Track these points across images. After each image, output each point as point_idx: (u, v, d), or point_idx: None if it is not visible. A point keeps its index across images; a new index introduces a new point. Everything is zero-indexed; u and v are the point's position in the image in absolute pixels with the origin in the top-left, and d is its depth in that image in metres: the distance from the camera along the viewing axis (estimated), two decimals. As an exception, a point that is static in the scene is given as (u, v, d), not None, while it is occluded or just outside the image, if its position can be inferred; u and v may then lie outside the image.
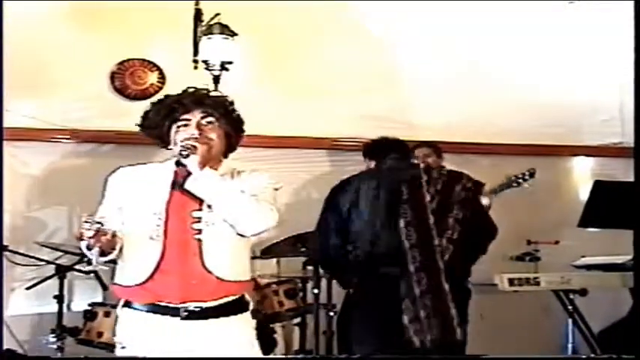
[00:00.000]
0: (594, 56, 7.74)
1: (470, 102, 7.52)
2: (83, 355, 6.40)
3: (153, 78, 7.06)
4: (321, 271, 6.11)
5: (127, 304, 3.76)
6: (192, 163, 3.61)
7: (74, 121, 6.88)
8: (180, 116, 3.76)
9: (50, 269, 6.11)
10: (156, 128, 3.83)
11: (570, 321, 6.26)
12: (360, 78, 7.36)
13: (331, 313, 6.28)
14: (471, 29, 7.59)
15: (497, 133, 7.48)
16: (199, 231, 3.66)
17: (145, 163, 3.97)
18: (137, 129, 6.70)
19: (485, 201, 6.53)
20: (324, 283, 6.21)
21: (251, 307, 3.86)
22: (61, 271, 6.03)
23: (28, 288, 6.29)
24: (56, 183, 6.91)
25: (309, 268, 6.10)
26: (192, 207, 3.68)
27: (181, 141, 3.66)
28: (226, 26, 6.64)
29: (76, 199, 6.84)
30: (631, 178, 6.47)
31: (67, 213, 6.91)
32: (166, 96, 3.87)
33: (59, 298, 6.01)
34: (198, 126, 3.73)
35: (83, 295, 6.56)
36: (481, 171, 6.95)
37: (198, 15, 6.76)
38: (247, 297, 3.85)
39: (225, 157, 3.86)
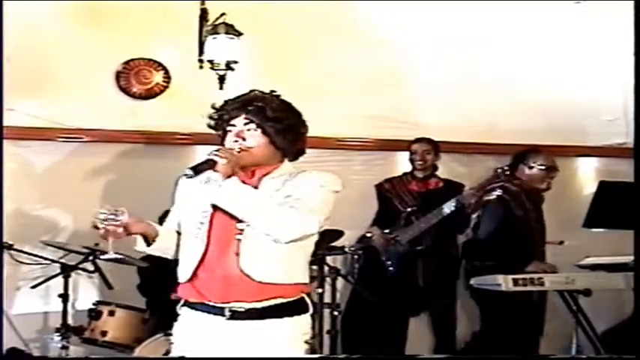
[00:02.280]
0: (598, 57, 7.71)
1: (474, 102, 7.50)
2: (86, 354, 6.44)
3: (158, 77, 7.06)
4: (325, 270, 6.13)
5: (185, 304, 3.79)
6: (215, 176, 3.59)
7: (79, 120, 6.88)
8: (229, 122, 3.74)
9: (55, 268, 6.10)
10: (216, 131, 3.81)
11: (574, 321, 6.27)
12: (365, 78, 7.36)
13: (335, 313, 6.29)
14: (475, 30, 7.57)
15: (502, 133, 7.47)
16: (241, 232, 3.64)
17: None
18: (142, 129, 6.78)
19: (473, 199, 6.53)
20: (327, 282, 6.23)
21: (310, 310, 3.80)
22: (66, 270, 6.02)
23: (33, 287, 6.28)
24: (61, 182, 6.90)
25: (314, 267, 6.08)
26: None
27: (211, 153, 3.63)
28: (231, 26, 6.63)
29: (81, 198, 6.82)
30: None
31: (72, 212, 6.90)
32: (233, 99, 3.82)
33: (64, 297, 6.00)
34: (239, 133, 3.71)
35: (88, 294, 6.55)
36: (487, 171, 6.97)
37: (203, 14, 6.75)
38: (306, 299, 3.79)
39: (291, 159, 3.81)
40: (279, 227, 3.59)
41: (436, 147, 6.98)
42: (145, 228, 3.73)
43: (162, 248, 3.83)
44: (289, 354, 3.72)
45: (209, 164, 3.55)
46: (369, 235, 6.94)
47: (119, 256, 3.71)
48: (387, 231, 6.86)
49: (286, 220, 3.58)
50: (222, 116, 3.76)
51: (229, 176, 3.57)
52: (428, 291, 6.89)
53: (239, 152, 3.65)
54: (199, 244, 3.67)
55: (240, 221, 3.63)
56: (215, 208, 3.68)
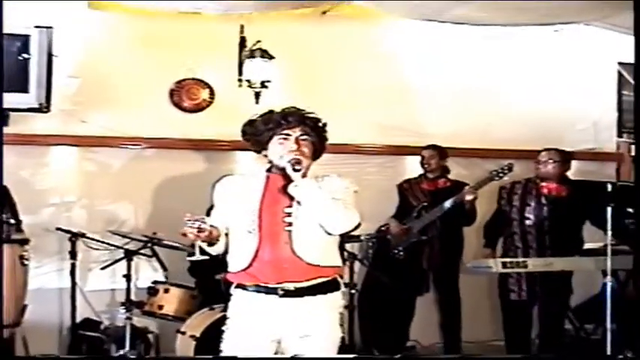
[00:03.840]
0: (574, 77, 7.73)
1: (472, 113, 7.49)
2: (146, 324, 6.48)
3: (205, 94, 7.06)
4: (344, 254, 6.15)
5: (238, 286, 3.85)
6: (297, 173, 3.68)
7: (139, 130, 6.91)
8: (282, 131, 3.80)
9: (120, 253, 6.14)
10: (258, 135, 3.86)
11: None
12: (377, 92, 7.32)
13: (353, 291, 6.29)
14: (473, 52, 7.59)
15: (494, 140, 7.46)
16: (290, 224, 3.74)
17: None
18: (191, 137, 6.83)
19: (468, 195, 6.53)
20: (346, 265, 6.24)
21: (342, 287, 3.89)
22: (129, 255, 6.05)
23: (102, 268, 6.32)
24: (124, 182, 6.93)
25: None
26: (283, 204, 3.77)
27: (284, 153, 3.73)
28: (266, 51, 6.71)
29: (141, 196, 6.91)
30: (603, 179, 6.50)
31: (134, 207, 6.96)
32: (271, 111, 3.89)
33: (127, 277, 6.02)
34: (297, 141, 3.78)
35: (147, 274, 6.59)
36: (483, 172, 6.96)
37: (242, 42, 6.83)
38: (339, 279, 3.89)
39: (314, 161, 3.90)
40: (336, 221, 3.71)
41: (441, 153, 6.94)
42: (218, 232, 3.79)
43: (218, 248, 3.86)
44: (329, 324, 3.82)
45: (300, 164, 3.68)
46: (385, 225, 6.97)
47: (205, 257, 3.78)
48: (403, 222, 6.88)
49: (342, 215, 3.71)
50: (279, 124, 3.80)
51: (304, 175, 3.70)
52: (432, 273, 6.90)
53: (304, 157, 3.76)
54: (253, 239, 3.75)
55: (288, 215, 3.73)
56: (261, 205, 3.77)
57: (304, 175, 3.72)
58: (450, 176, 7.02)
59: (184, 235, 3.62)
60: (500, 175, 6.49)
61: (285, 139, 3.79)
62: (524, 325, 6.51)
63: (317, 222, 3.70)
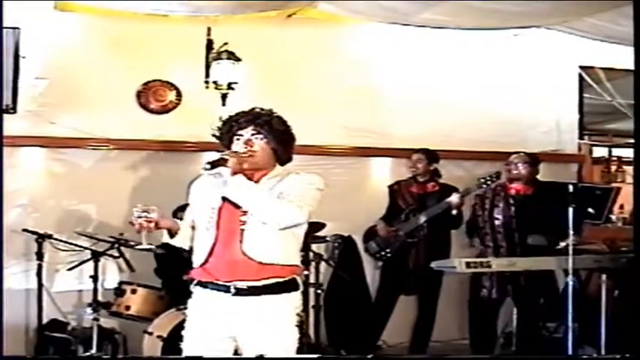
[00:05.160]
0: (536, 80, 7.79)
1: (436, 116, 7.51)
2: (113, 325, 6.45)
3: (171, 96, 7.03)
4: (310, 255, 6.15)
5: (197, 284, 3.86)
6: (225, 172, 3.69)
7: (106, 131, 6.86)
8: (237, 131, 3.82)
9: (87, 254, 6.11)
10: (221, 138, 3.90)
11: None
12: (343, 95, 7.34)
13: (319, 291, 6.32)
14: (437, 55, 7.62)
15: (458, 141, 7.49)
16: (244, 222, 3.72)
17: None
18: (158, 138, 6.81)
19: (456, 200, 6.55)
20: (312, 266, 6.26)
21: (300, 288, 3.87)
22: (96, 256, 6.01)
23: (69, 269, 6.29)
24: (91, 183, 6.87)
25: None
26: None
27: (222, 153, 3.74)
28: (232, 53, 6.71)
29: (108, 197, 6.85)
30: (565, 180, 6.55)
31: (101, 208, 6.91)
32: (236, 113, 3.91)
33: (94, 278, 5.99)
34: (247, 141, 3.79)
35: (114, 275, 6.56)
36: (448, 173, 7.01)
37: (209, 44, 6.82)
38: (298, 279, 3.85)
39: (282, 164, 3.88)
40: (275, 216, 3.69)
41: (429, 157, 6.90)
42: (170, 224, 3.90)
43: (181, 241, 3.94)
44: (284, 325, 3.79)
45: (221, 161, 3.66)
46: (375, 227, 6.99)
47: (152, 246, 3.82)
48: (395, 221, 6.90)
49: (281, 210, 3.68)
50: (232, 127, 3.84)
51: (236, 173, 3.67)
52: (417, 275, 6.87)
53: (246, 155, 3.74)
54: (210, 235, 3.76)
55: (244, 214, 3.71)
56: (222, 203, 3.77)
57: (234, 173, 3.67)
58: (403, 177, 7.05)
59: (132, 224, 3.71)
60: (488, 182, 6.53)
61: (238, 139, 3.82)
62: (491, 324, 6.58)
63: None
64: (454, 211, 6.58)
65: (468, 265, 6.22)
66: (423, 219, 6.69)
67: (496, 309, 6.57)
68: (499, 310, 6.59)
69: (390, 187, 7.12)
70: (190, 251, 3.92)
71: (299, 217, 3.72)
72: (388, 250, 6.87)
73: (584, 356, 6.33)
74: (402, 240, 6.81)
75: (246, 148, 3.77)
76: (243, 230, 3.72)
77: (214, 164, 3.66)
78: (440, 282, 6.89)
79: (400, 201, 6.97)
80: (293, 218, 3.71)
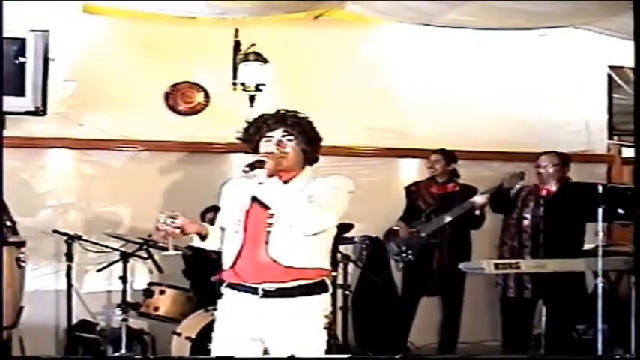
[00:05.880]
0: (565, 80, 7.72)
1: (463, 117, 7.47)
2: (142, 326, 6.47)
3: (199, 97, 7.03)
4: (338, 256, 6.13)
5: (227, 285, 3.86)
6: (261, 174, 3.67)
7: (136, 133, 6.88)
8: (266, 133, 3.80)
9: (116, 255, 6.13)
10: (249, 141, 3.87)
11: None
12: (370, 95, 7.34)
13: (347, 292, 6.30)
14: (466, 55, 7.57)
15: (486, 142, 7.44)
16: (270, 225, 3.71)
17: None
18: (186, 140, 6.83)
19: (479, 200, 6.53)
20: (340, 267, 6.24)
21: (329, 290, 3.85)
22: (125, 257, 6.03)
23: (98, 270, 6.30)
24: (121, 184, 6.88)
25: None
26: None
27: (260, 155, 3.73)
28: (260, 54, 6.70)
29: (137, 198, 6.87)
30: (594, 180, 6.49)
31: (130, 209, 6.93)
32: (262, 115, 3.88)
33: (123, 279, 6.01)
34: (278, 142, 3.77)
35: (143, 276, 6.57)
36: (474, 174, 6.98)
37: (237, 46, 6.81)
38: (326, 281, 3.83)
39: (310, 165, 3.86)
40: (305, 222, 3.66)
41: (448, 157, 6.89)
42: (197, 228, 3.87)
43: (212, 243, 3.92)
44: (312, 327, 3.77)
45: (259, 164, 3.65)
46: (395, 228, 6.95)
47: (179, 252, 3.81)
48: (414, 224, 6.86)
49: (312, 215, 3.66)
50: (261, 128, 3.81)
51: (271, 176, 3.66)
52: (440, 276, 6.85)
53: (279, 157, 3.73)
54: (238, 237, 3.75)
55: (270, 217, 3.70)
56: (250, 206, 3.76)
57: (270, 176, 3.67)
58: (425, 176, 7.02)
59: (157, 229, 3.70)
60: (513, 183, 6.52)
61: (268, 141, 3.80)
62: (525, 325, 6.54)
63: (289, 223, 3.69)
64: (477, 212, 6.56)
65: (496, 266, 6.19)
66: (447, 219, 6.66)
67: (530, 309, 6.52)
68: (533, 311, 6.54)
69: (408, 188, 7.09)
70: (219, 253, 3.92)
71: (327, 224, 3.72)
72: (410, 252, 6.83)
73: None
74: (423, 241, 6.78)
75: (277, 149, 3.75)
76: (269, 233, 3.70)
77: (252, 166, 3.65)
78: (463, 282, 6.87)
79: (420, 202, 6.93)
80: (322, 224, 3.70)
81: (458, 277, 6.79)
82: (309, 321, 3.76)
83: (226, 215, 3.88)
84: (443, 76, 7.51)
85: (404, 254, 6.86)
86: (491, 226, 6.84)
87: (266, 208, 3.71)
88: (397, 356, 6.58)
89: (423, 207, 6.88)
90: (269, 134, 3.79)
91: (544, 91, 7.67)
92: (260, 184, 3.68)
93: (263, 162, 3.66)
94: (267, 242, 3.70)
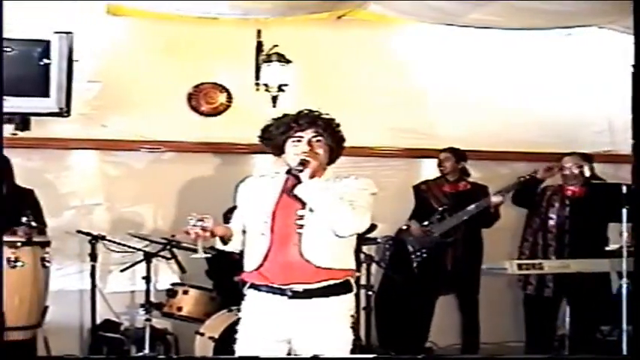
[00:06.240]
0: (588, 79, 7.67)
1: (486, 117, 7.44)
2: (166, 326, 6.48)
3: (222, 98, 7.04)
4: (361, 257, 6.12)
5: (250, 286, 3.85)
6: (304, 174, 3.67)
7: (159, 133, 6.90)
8: (295, 133, 3.79)
9: (139, 255, 6.14)
10: (273, 139, 3.85)
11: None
12: (393, 95, 7.31)
13: (370, 293, 6.28)
14: (489, 55, 7.54)
15: (509, 143, 7.41)
16: (301, 226, 3.70)
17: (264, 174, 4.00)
18: (209, 141, 6.83)
19: (496, 199, 6.53)
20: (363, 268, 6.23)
21: (353, 290, 3.85)
22: (148, 257, 6.04)
23: (122, 270, 6.33)
24: (144, 185, 6.91)
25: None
26: (296, 207, 3.74)
27: (297, 154, 3.72)
28: (282, 55, 6.70)
29: (161, 198, 6.90)
30: (618, 181, 6.43)
31: (153, 209, 6.96)
32: (285, 115, 3.88)
33: (147, 279, 6.02)
34: (309, 143, 3.76)
35: (166, 277, 6.59)
36: (495, 174, 6.95)
37: (259, 46, 6.82)
38: (351, 281, 3.83)
39: (328, 165, 3.87)
40: (343, 222, 3.66)
41: (458, 155, 6.91)
42: (224, 231, 3.85)
43: (234, 246, 3.89)
44: (340, 327, 3.78)
45: (306, 164, 3.66)
46: (406, 227, 6.94)
47: (208, 255, 3.80)
48: (425, 223, 6.84)
49: (349, 217, 3.65)
50: (291, 128, 3.79)
51: (312, 176, 3.68)
52: (455, 274, 6.86)
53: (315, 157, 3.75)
54: (264, 239, 3.74)
55: (300, 218, 3.70)
56: (275, 207, 3.76)
57: (313, 176, 3.69)
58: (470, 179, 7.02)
59: (187, 233, 3.65)
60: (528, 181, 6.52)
61: (298, 141, 3.78)
62: (549, 325, 6.51)
63: (325, 223, 3.68)
64: (492, 209, 6.57)
65: (519, 266, 6.17)
66: (463, 217, 6.66)
67: (552, 309, 6.49)
68: (556, 311, 6.51)
69: (417, 187, 7.08)
70: (241, 253, 3.91)
71: (364, 225, 3.73)
72: (424, 251, 6.82)
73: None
74: (437, 240, 6.77)
75: (309, 149, 3.75)
76: (300, 234, 3.69)
77: (303, 165, 3.66)
78: (479, 280, 6.88)
79: (432, 200, 6.94)
80: (359, 226, 3.72)
81: (473, 276, 6.81)
82: (336, 321, 3.76)
83: (249, 216, 3.86)
84: (466, 76, 7.48)
85: (418, 253, 6.84)
86: (512, 225, 6.86)
87: (301, 206, 3.70)
88: (419, 356, 6.57)
89: (436, 206, 6.89)
90: (299, 134, 3.78)
91: (568, 90, 7.62)
92: (301, 185, 3.68)
93: (308, 162, 3.67)
94: (298, 243, 3.69)
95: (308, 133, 3.77)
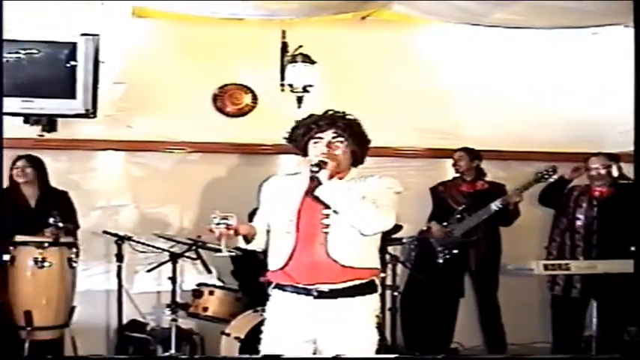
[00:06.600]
0: (613, 78, 7.59)
1: (510, 117, 7.40)
2: (191, 326, 6.50)
3: (247, 99, 7.05)
4: (386, 257, 6.11)
5: (276, 286, 3.85)
6: (322, 175, 3.67)
7: (184, 134, 6.92)
8: (315, 134, 3.79)
9: (165, 256, 6.17)
10: (297, 142, 3.87)
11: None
12: (418, 95, 7.28)
13: (395, 293, 6.27)
14: (513, 55, 7.50)
15: (533, 142, 7.37)
16: (327, 226, 3.70)
17: (292, 174, 3.99)
18: (235, 141, 6.84)
19: (516, 199, 6.52)
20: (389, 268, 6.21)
21: (379, 290, 3.85)
22: (174, 257, 6.06)
23: (148, 271, 6.36)
24: (170, 186, 6.93)
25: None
26: (321, 207, 3.74)
27: (317, 156, 3.73)
28: (307, 55, 6.70)
29: (186, 199, 6.91)
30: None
31: (179, 210, 6.97)
32: (310, 115, 3.89)
33: (173, 279, 6.04)
34: (329, 144, 3.76)
35: (192, 277, 6.60)
36: (520, 174, 6.92)
37: (284, 47, 6.82)
38: (376, 281, 3.83)
39: (355, 166, 3.87)
40: (366, 221, 3.65)
41: (472, 155, 6.91)
42: (248, 229, 3.84)
43: (257, 244, 3.89)
44: (365, 327, 3.78)
45: (322, 165, 3.66)
46: (427, 228, 6.92)
47: (232, 253, 3.81)
48: (445, 224, 6.82)
49: (372, 216, 3.65)
50: (311, 129, 3.80)
51: (332, 176, 3.68)
52: (478, 274, 6.86)
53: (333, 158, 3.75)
54: (289, 238, 3.74)
55: (326, 217, 3.70)
56: (301, 206, 3.76)
57: (332, 176, 3.70)
58: (487, 178, 6.99)
59: (211, 231, 3.65)
60: (546, 177, 6.55)
61: (318, 142, 3.79)
62: (573, 325, 6.48)
63: (348, 222, 3.67)
64: (511, 207, 6.57)
65: (545, 267, 6.13)
66: (483, 217, 6.65)
67: (579, 310, 6.46)
68: (584, 312, 6.47)
69: (434, 188, 7.08)
70: (266, 253, 3.91)
71: (388, 224, 3.72)
72: (447, 251, 6.80)
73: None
74: (460, 240, 6.75)
75: (328, 150, 3.75)
76: (326, 234, 3.69)
77: (320, 166, 3.66)
78: (498, 279, 6.87)
79: (450, 201, 6.93)
80: (383, 224, 3.70)
81: (493, 275, 6.81)
82: (362, 321, 3.76)
83: (274, 216, 3.86)
84: (490, 76, 7.44)
85: (441, 254, 6.82)
86: (539, 225, 6.85)
87: (325, 206, 3.70)
88: (439, 356, 6.56)
89: (454, 206, 6.88)
90: (319, 135, 3.79)
91: (593, 90, 7.57)
92: (320, 184, 3.68)
93: (326, 163, 3.67)
94: (324, 243, 3.69)
95: (328, 135, 3.78)
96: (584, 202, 6.49)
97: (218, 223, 3.63)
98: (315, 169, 3.66)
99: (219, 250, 3.76)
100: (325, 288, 3.70)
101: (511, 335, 6.93)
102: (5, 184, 6.15)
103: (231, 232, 3.66)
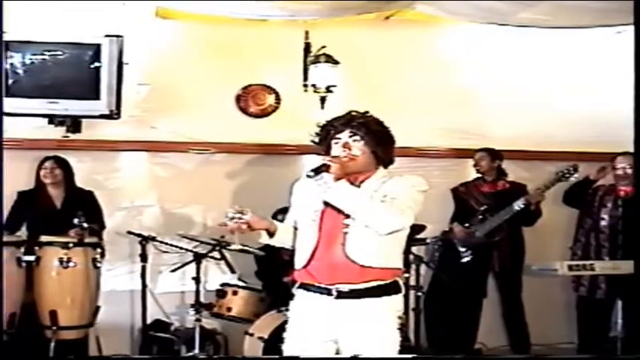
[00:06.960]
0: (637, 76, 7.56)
1: (536, 117, 7.37)
2: (215, 326, 6.51)
3: (271, 99, 7.06)
4: (410, 257, 6.09)
5: (299, 286, 3.85)
6: (328, 177, 3.63)
7: (208, 135, 6.93)
8: (334, 135, 3.79)
9: (189, 256, 6.19)
10: (320, 143, 3.87)
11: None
12: (442, 95, 7.26)
13: (419, 294, 6.26)
14: (538, 54, 7.45)
15: (557, 142, 7.33)
16: (347, 226, 3.68)
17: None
18: (258, 142, 6.85)
19: (538, 198, 6.53)
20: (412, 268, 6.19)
21: (402, 291, 3.81)
22: (198, 258, 6.07)
23: (172, 271, 6.38)
24: (193, 186, 6.94)
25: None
26: None
27: (323, 160, 3.70)
28: (330, 56, 6.68)
29: (210, 199, 6.91)
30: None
31: (203, 210, 6.98)
32: (334, 117, 3.87)
33: (196, 279, 6.04)
34: (345, 144, 3.75)
35: (215, 277, 6.61)
36: (546, 174, 6.88)
37: (307, 47, 6.80)
38: (399, 282, 3.79)
39: (385, 167, 3.83)
40: (380, 221, 3.63)
41: (492, 155, 6.89)
42: (266, 225, 3.84)
43: (281, 240, 3.90)
44: (386, 328, 3.74)
45: (324, 168, 3.62)
46: (449, 229, 6.91)
47: (244, 247, 3.81)
48: (467, 225, 6.80)
49: (384, 215, 3.63)
50: (330, 131, 3.80)
51: (339, 179, 3.63)
52: (502, 275, 6.86)
53: (346, 160, 3.70)
54: (312, 238, 3.74)
55: (347, 217, 3.68)
56: (325, 207, 3.73)
57: (338, 179, 3.64)
58: (509, 178, 6.97)
59: (224, 225, 3.69)
60: (567, 176, 6.50)
61: (337, 142, 3.78)
62: (602, 326, 6.44)
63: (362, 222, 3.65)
64: (532, 207, 6.54)
65: (570, 268, 6.09)
66: (505, 217, 6.61)
67: (604, 310, 6.41)
68: (609, 313, 6.43)
69: (455, 189, 7.07)
70: (292, 254, 3.91)
71: (403, 222, 3.67)
72: (470, 252, 6.77)
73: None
74: (483, 240, 6.72)
75: (344, 151, 3.73)
76: (346, 233, 3.67)
77: (317, 171, 3.62)
78: (521, 279, 6.85)
79: (472, 202, 6.91)
80: (397, 224, 3.65)
81: (517, 275, 6.81)
82: (383, 322, 3.72)
83: (299, 214, 3.87)
84: (516, 75, 7.41)
85: (465, 255, 6.80)
86: (563, 225, 6.82)
87: (340, 210, 3.68)
88: (458, 356, 6.54)
89: (476, 207, 6.85)
90: (337, 136, 3.78)
91: (618, 89, 7.50)
92: (328, 187, 3.65)
93: (328, 166, 3.64)
94: (343, 243, 3.68)
95: (344, 135, 3.77)
96: (609, 201, 6.46)
97: (232, 218, 3.66)
98: (311, 174, 3.62)
99: (232, 244, 3.77)
100: (345, 288, 3.68)
101: (535, 336, 6.91)
102: (31, 184, 6.21)
103: (244, 226, 3.68)
